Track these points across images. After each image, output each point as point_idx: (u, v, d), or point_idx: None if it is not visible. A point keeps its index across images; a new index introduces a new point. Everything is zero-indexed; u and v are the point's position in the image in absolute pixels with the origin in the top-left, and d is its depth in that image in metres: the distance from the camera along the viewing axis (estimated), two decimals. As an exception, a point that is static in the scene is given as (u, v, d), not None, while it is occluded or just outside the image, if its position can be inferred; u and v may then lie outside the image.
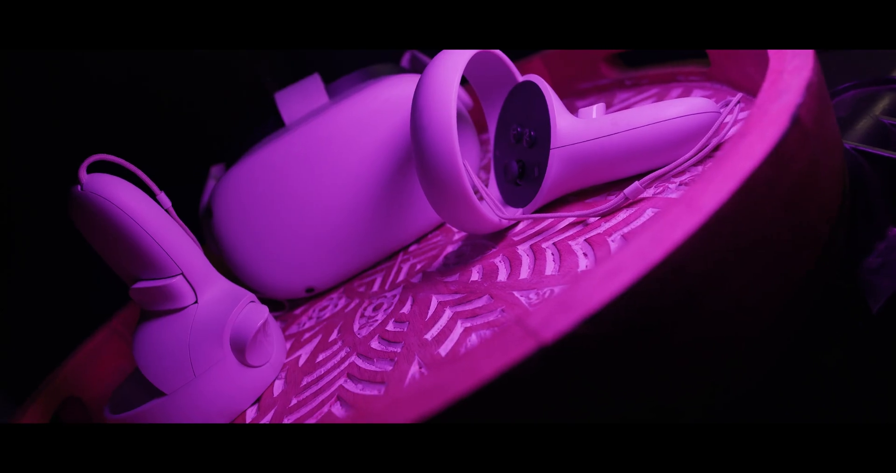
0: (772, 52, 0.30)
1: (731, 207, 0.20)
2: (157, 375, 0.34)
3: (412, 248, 0.46)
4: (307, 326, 0.43)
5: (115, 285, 0.58)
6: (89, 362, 0.48)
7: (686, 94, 0.45)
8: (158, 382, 0.34)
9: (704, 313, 0.20)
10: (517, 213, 0.39)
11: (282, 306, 0.48)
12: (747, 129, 0.24)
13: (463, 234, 0.43)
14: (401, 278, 0.42)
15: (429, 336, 0.32)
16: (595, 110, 0.38)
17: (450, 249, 0.42)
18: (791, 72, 0.27)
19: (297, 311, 0.46)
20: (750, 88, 0.38)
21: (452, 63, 0.35)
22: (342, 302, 0.43)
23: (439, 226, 0.47)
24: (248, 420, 0.35)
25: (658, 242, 0.20)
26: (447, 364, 0.19)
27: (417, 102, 0.35)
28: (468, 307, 0.33)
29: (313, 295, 0.47)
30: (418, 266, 0.42)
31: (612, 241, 0.32)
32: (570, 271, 0.31)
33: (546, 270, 0.32)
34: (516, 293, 0.32)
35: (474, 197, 0.35)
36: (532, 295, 0.31)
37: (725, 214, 0.20)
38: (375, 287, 0.42)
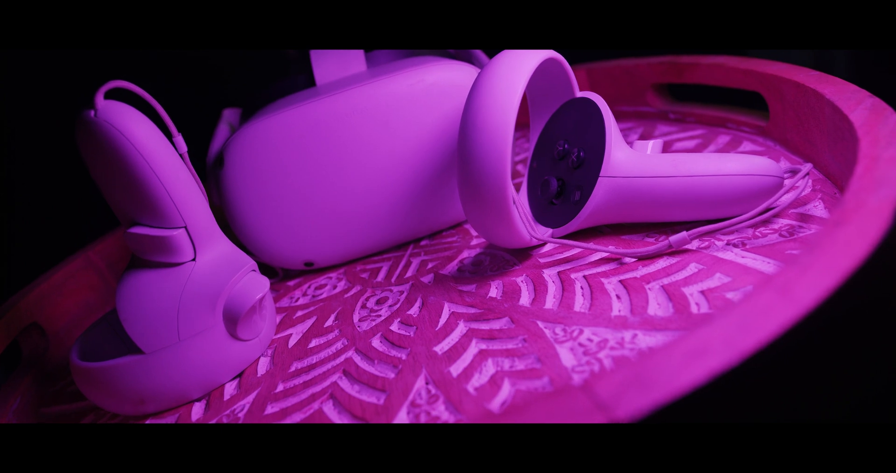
0: (861, 131, 0.29)
1: (828, 302, 0.19)
2: (139, 331, 0.32)
3: (424, 242, 0.44)
4: (300, 302, 0.40)
5: (101, 213, 0.55)
6: (58, 290, 0.45)
7: (735, 143, 0.44)
8: (139, 339, 0.32)
9: (787, 401, 0.19)
10: (547, 233, 0.37)
11: (275, 273, 0.45)
12: (843, 218, 0.22)
13: (482, 240, 0.41)
14: (409, 273, 0.40)
15: (438, 349, 0.31)
16: (651, 146, 0.36)
17: (466, 253, 0.40)
18: (889, 161, 0.25)
19: (291, 282, 0.44)
20: (812, 156, 0.37)
21: (520, 66, 0.33)
22: (342, 285, 0.41)
23: (457, 225, 0.45)
24: (226, 397, 0.33)
25: (748, 329, 0.18)
26: (498, 421, 0.17)
27: (476, 101, 0.33)
28: (485, 327, 0.31)
29: (311, 270, 0.44)
30: (430, 265, 0.40)
31: (650, 289, 0.30)
32: (602, 312, 0.30)
33: (574, 305, 0.31)
34: (541, 324, 0.30)
35: (515, 212, 0.33)
36: (559, 330, 0.29)
37: (821, 307, 0.19)
38: (380, 277, 0.40)
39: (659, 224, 0.36)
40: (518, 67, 0.33)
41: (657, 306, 0.29)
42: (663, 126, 0.52)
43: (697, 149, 0.45)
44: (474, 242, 0.41)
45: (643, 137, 0.51)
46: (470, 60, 0.50)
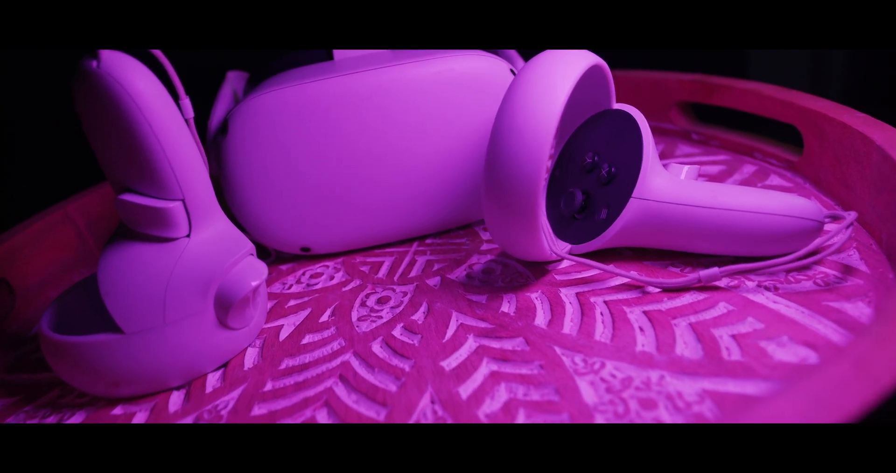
0: (920, 188, 0.27)
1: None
2: (121, 310, 0.29)
3: (429, 240, 0.41)
4: (294, 290, 0.38)
5: (83, 165, 0.52)
6: (31, 245, 0.42)
7: (761, 175, 0.43)
8: (120, 317, 0.29)
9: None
10: (565, 249, 0.35)
11: (267, 254, 0.43)
12: (916, 284, 0.21)
13: (493, 245, 0.39)
14: (413, 272, 0.37)
15: (446, 365, 0.29)
16: (685, 171, 0.35)
17: (476, 259, 0.38)
18: (956, 226, 0.24)
19: (284, 266, 0.41)
20: (848, 201, 0.36)
21: (566, 69, 0.31)
22: (339, 276, 0.39)
23: (466, 226, 0.42)
24: (208, 388, 0.30)
25: (827, 405, 0.16)
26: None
27: (515, 103, 0.30)
28: (497, 345, 0.29)
29: (306, 256, 0.42)
30: (436, 266, 0.38)
31: (676, 325, 0.29)
32: (625, 345, 0.28)
33: (595, 333, 0.29)
34: (558, 350, 0.28)
35: (542, 225, 0.31)
36: (579, 360, 0.27)
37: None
38: (382, 273, 0.38)
39: (682, 253, 0.35)
40: (564, 71, 0.31)
41: (684, 345, 0.27)
42: (685, 146, 0.50)
43: (721, 176, 0.43)
44: (484, 246, 0.39)
45: (662, 156, 0.49)
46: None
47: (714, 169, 0.45)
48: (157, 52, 0.31)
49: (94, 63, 0.28)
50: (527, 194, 0.30)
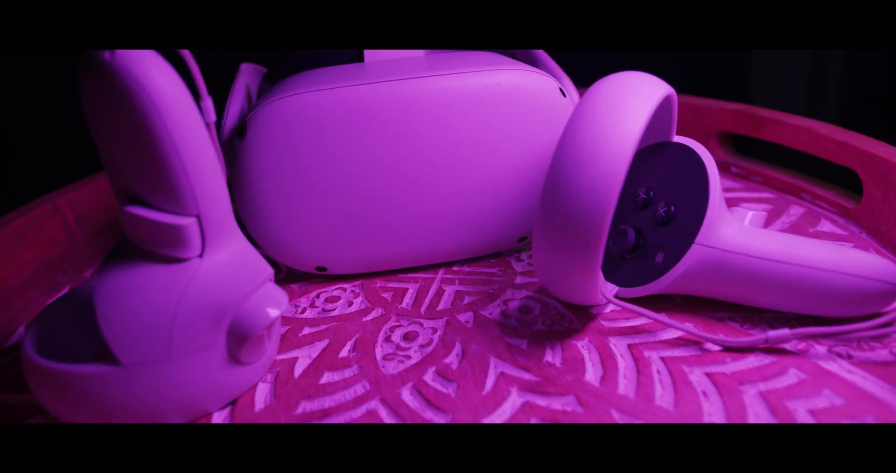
0: None
1: None
2: (120, 339, 0.26)
3: (456, 267, 0.38)
4: (308, 315, 0.34)
5: (76, 156, 0.48)
6: (15, 240, 0.38)
7: (811, 219, 0.40)
8: (119, 348, 0.26)
9: None
10: (611, 291, 0.32)
11: (278, 270, 0.39)
12: None
13: (529, 278, 0.36)
14: (442, 305, 0.34)
15: (488, 423, 0.25)
16: (750, 217, 0.32)
17: (511, 293, 0.35)
18: None
19: (295, 285, 0.38)
20: (919, 259, 0.33)
21: (643, 98, 0.28)
22: (358, 303, 0.35)
23: (497, 254, 0.39)
24: (214, 432, 0.27)
25: None
26: None
27: (583, 131, 0.27)
28: (544, 403, 0.26)
29: (320, 275, 0.38)
30: (466, 299, 0.34)
31: (744, 392, 0.26)
32: (691, 414, 0.25)
33: (654, 396, 0.26)
34: (616, 414, 0.25)
35: (599, 269, 0.28)
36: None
37: None
38: (406, 302, 0.35)
39: (740, 306, 0.32)
40: (639, 100, 0.28)
41: (756, 418, 0.24)
42: (724, 180, 0.48)
43: (768, 217, 0.41)
44: (519, 279, 0.36)
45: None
46: (530, 61, 0.44)
47: (758, 207, 0.42)
48: (186, 53, 0.27)
49: (107, 54, 0.25)
50: (589, 236, 0.27)
